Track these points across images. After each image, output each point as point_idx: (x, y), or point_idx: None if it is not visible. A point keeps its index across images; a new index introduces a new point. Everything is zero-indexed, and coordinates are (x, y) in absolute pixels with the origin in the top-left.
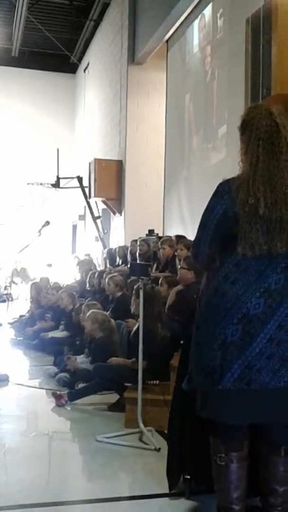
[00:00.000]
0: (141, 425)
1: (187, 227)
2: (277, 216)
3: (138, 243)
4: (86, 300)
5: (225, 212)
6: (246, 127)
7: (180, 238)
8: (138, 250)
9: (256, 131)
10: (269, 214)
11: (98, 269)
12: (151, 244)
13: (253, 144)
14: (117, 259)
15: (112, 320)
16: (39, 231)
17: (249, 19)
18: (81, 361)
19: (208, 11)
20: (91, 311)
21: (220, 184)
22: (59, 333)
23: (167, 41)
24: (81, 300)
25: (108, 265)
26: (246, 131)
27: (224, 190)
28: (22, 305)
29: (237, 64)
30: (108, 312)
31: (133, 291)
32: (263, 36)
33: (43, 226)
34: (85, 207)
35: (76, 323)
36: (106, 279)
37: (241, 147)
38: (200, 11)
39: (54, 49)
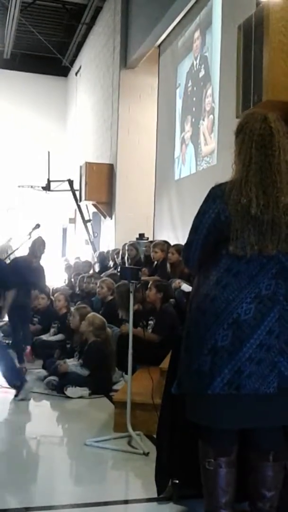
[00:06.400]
0: (130, 429)
1: (177, 231)
2: (269, 218)
3: (127, 248)
4: (76, 304)
5: (217, 216)
6: (241, 130)
7: (168, 244)
8: (126, 255)
9: (250, 133)
10: (261, 216)
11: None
12: (139, 248)
13: (246, 146)
14: (110, 262)
15: (109, 329)
16: (30, 234)
17: (241, 25)
18: (71, 364)
19: (200, 17)
20: (92, 313)
21: (213, 188)
22: (51, 337)
23: (159, 46)
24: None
25: (97, 269)
26: (240, 134)
27: (216, 194)
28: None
29: (228, 70)
30: None
31: (120, 297)
32: (255, 43)
33: (34, 229)
34: (75, 210)
35: (68, 326)
36: (98, 283)
37: (234, 149)
38: (192, 16)
39: (46, 52)
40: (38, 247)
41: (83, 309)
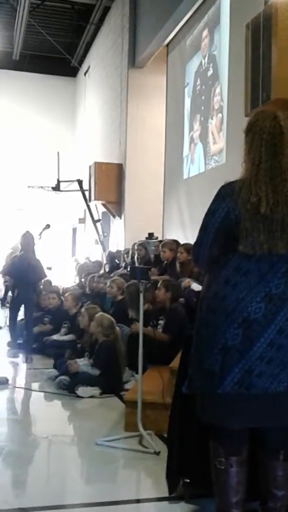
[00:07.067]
0: (141, 428)
1: (186, 230)
2: (279, 217)
3: (136, 247)
4: (86, 304)
5: (227, 215)
6: (251, 128)
7: (177, 243)
8: (136, 255)
9: (259, 131)
10: (270, 214)
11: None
12: (148, 247)
13: (256, 144)
14: (121, 262)
15: (118, 328)
16: (40, 234)
17: (249, 24)
18: (82, 364)
19: (208, 16)
20: (99, 313)
21: (222, 186)
22: (62, 337)
23: (167, 45)
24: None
25: (107, 269)
26: (250, 133)
27: (226, 193)
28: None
29: (237, 69)
30: None
31: (130, 296)
32: (263, 41)
33: (44, 229)
34: (85, 210)
35: (78, 326)
36: (108, 282)
37: (244, 148)
38: (200, 15)
39: (55, 53)
40: (30, 242)
41: (92, 309)
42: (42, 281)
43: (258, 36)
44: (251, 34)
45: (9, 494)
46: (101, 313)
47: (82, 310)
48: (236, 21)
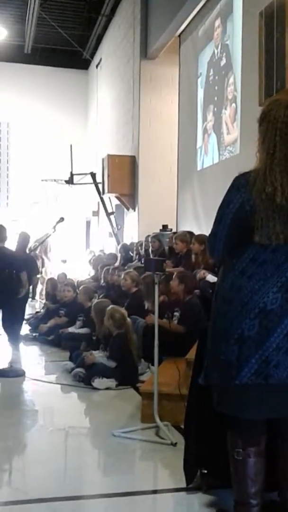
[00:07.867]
0: (158, 419)
1: (200, 222)
2: None
3: (150, 240)
4: (100, 296)
5: (241, 206)
6: (265, 118)
7: (191, 234)
8: (150, 247)
9: (273, 121)
10: (286, 204)
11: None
12: (162, 240)
13: (270, 133)
14: (134, 254)
15: (128, 319)
16: (54, 227)
17: (262, 12)
18: (97, 356)
19: (221, 5)
20: (110, 306)
21: (237, 177)
22: (77, 329)
23: (179, 35)
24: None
25: (121, 261)
26: (264, 122)
27: (240, 184)
28: (37, 301)
29: (250, 58)
30: (123, 308)
31: (147, 288)
32: (277, 29)
33: (58, 222)
34: (98, 203)
35: (92, 319)
36: (123, 275)
37: (258, 137)
38: (212, 5)
39: (67, 45)
40: (25, 240)
41: (100, 304)
42: (38, 276)
43: (271, 24)
44: (264, 23)
45: (28, 485)
46: (112, 306)
47: (93, 303)
48: (249, 10)
